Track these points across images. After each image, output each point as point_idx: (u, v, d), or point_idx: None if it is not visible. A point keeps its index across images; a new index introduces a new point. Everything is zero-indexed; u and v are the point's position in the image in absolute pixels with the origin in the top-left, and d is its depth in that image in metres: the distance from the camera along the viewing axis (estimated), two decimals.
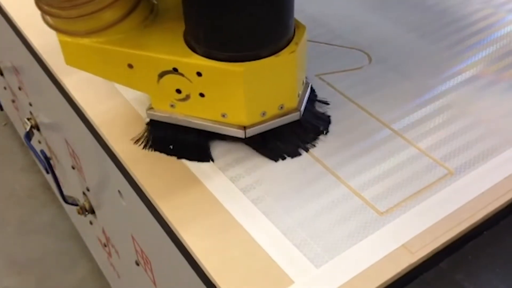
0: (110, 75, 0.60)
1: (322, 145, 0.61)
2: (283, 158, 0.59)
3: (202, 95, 0.56)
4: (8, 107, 1.52)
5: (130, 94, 0.67)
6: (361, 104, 0.66)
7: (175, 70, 0.55)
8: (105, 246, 1.00)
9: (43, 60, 0.75)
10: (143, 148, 0.61)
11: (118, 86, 0.68)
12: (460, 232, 0.51)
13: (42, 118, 1.08)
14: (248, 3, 0.50)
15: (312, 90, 0.64)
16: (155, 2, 0.60)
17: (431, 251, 0.50)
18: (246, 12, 0.51)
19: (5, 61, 1.24)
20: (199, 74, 0.54)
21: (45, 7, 0.55)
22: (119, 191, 0.70)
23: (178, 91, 0.57)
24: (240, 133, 0.57)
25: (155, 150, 0.60)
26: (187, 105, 0.58)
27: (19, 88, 1.18)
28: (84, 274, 1.33)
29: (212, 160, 0.59)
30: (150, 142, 0.61)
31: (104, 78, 0.60)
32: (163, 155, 0.60)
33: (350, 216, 0.53)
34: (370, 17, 0.81)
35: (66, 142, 0.91)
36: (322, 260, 0.49)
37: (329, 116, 0.63)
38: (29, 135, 1.08)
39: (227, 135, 0.58)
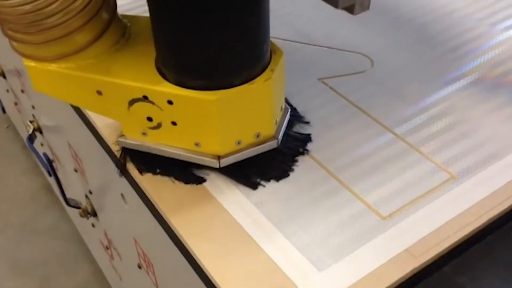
0: (79, 101, 0.58)
1: (325, 149, 0.61)
2: (265, 182, 0.57)
3: (174, 123, 0.54)
4: (10, 110, 1.53)
5: None
6: (363, 108, 0.66)
7: (145, 98, 0.53)
8: (107, 248, 1.00)
9: None
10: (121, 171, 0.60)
11: None
12: (463, 237, 0.51)
13: (44, 121, 1.09)
14: (218, 31, 0.48)
15: (294, 109, 0.63)
16: (128, 24, 0.58)
17: (435, 255, 0.50)
18: (216, 40, 0.49)
19: (8, 64, 1.24)
20: (170, 102, 0.52)
21: (10, 32, 0.52)
22: (121, 194, 0.70)
23: (150, 119, 0.54)
24: (214, 163, 0.55)
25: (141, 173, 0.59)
26: (159, 133, 0.55)
27: (22, 91, 1.18)
28: (86, 276, 1.33)
29: (198, 182, 0.57)
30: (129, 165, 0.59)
31: (73, 104, 0.57)
32: None
33: (353, 220, 0.53)
34: (372, 21, 0.81)
35: (69, 145, 0.92)
36: (325, 264, 0.49)
37: (309, 135, 0.62)
38: (31, 138, 1.08)
39: (201, 164, 0.56)
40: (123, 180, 0.63)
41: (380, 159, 0.59)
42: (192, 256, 0.52)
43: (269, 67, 0.53)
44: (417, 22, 0.80)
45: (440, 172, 0.57)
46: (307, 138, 0.62)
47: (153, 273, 0.72)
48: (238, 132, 0.55)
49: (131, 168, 0.60)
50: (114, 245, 0.93)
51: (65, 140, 0.93)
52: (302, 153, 0.60)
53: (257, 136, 0.56)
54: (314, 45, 0.76)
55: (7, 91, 1.40)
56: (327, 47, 0.76)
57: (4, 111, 1.59)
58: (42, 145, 1.21)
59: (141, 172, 0.58)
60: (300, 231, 0.52)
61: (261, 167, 0.57)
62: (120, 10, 0.57)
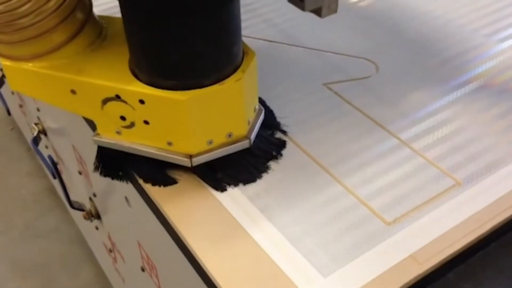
0: (54, 100, 0.58)
1: (330, 154, 0.61)
2: (235, 185, 0.57)
3: (146, 122, 0.55)
4: (15, 112, 1.53)
5: None
6: (368, 113, 0.66)
7: (117, 97, 0.54)
8: (111, 251, 1.01)
9: None
10: (98, 173, 0.61)
11: None
12: (467, 243, 0.51)
13: (49, 123, 1.09)
14: (187, 33, 0.49)
15: (271, 112, 0.63)
16: (105, 25, 0.58)
17: (439, 262, 0.50)
18: (186, 41, 0.50)
19: None
20: (141, 101, 0.53)
21: None
22: (125, 197, 0.71)
23: (123, 118, 0.55)
24: (186, 162, 0.56)
25: (105, 176, 0.60)
26: (133, 132, 0.56)
27: None
28: (89, 279, 1.33)
29: (168, 184, 0.57)
30: (100, 168, 0.61)
31: (48, 103, 0.59)
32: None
33: (357, 225, 0.53)
34: (377, 27, 0.81)
35: (73, 147, 0.92)
36: (330, 270, 0.49)
37: (284, 141, 0.62)
38: (36, 140, 1.09)
39: (174, 163, 0.57)
40: (128, 183, 0.63)
41: (385, 165, 0.59)
42: (196, 260, 0.52)
43: (241, 68, 0.54)
44: (422, 28, 0.80)
45: (445, 178, 0.57)
46: (283, 143, 0.61)
47: (157, 276, 0.72)
48: (210, 132, 0.55)
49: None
50: (118, 247, 0.93)
51: (70, 143, 0.93)
52: (276, 157, 0.60)
53: (229, 135, 0.56)
54: (319, 50, 0.76)
55: (12, 93, 1.41)
56: (332, 52, 0.76)
57: (9, 113, 1.59)
58: (46, 147, 1.21)
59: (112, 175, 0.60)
60: (305, 236, 0.52)
61: (232, 169, 0.58)
62: (98, 10, 0.57)
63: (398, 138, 0.62)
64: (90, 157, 0.83)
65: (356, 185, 0.57)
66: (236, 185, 0.57)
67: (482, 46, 0.76)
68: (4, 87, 1.37)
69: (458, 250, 0.51)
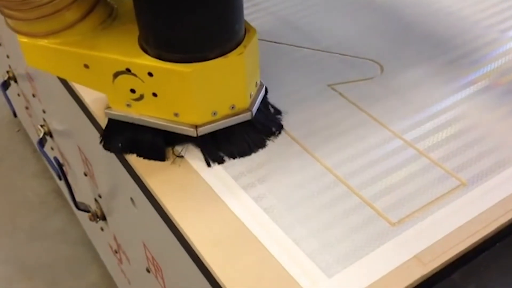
0: (68, 75, 0.63)
1: (335, 155, 0.61)
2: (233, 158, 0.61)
3: (155, 94, 0.58)
4: (21, 114, 1.54)
5: None
6: (373, 114, 0.66)
7: (128, 70, 0.57)
8: (116, 252, 1.01)
9: None
10: (103, 147, 0.63)
11: None
12: (472, 244, 0.51)
13: (55, 125, 1.09)
14: (194, 8, 0.53)
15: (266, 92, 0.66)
16: (115, 6, 0.62)
17: (443, 263, 0.50)
18: (192, 16, 0.53)
19: (19, 69, 1.26)
20: (150, 74, 0.56)
21: (5, 10, 0.57)
22: (131, 198, 0.71)
23: (132, 91, 0.59)
24: (192, 132, 0.59)
25: (106, 149, 0.63)
26: (142, 105, 0.59)
27: (33, 95, 1.19)
28: (94, 280, 1.34)
29: (164, 159, 0.61)
30: (105, 141, 0.64)
31: (62, 77, 0.63)
32: (179, 164, 0.61)
33: (362, 226, 0.53)
34: (382, 28, 0.81)
35: (79, 149, 0.92)
36: (334, 270, 0.49)
37: (281, 125, 0.64)
38: (42, 142, 1.09)
39: (180, 134, 0.60)
40: (133, 184, 0.64)
41: (389, 165, 0.59)
42: (201, 261, 0.52)
43: (243, 43, 0.57)
44: (427, 28, 0.80)
45: (450, 179, 0.57)
46: (281, 124, 0.64)
47: (162, 277, 0.72)
48: (214, 103, 0.58)
49: (141, 171, 0.60)
50: (123, 249, 0.94)
51: (75, 144, 0.94)
52: (275, 133, 0.63)
53: (232, 107, 0.59)
54: (324, 51, 0.77)
55: (18, 95, 1.42)
56: (337, 53, 0.76)
57: (15, 115, 1.60)
58: (52, 149, 1.21)
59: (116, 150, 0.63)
60: (309, 236, 0.52)
61: (232, 141, 0.61)
62: None
63: (403, 139, 0.62)
64: (96, 158, 0.84)
65: (361, 186, 0.57)
66: (233, 157, 0.60)
67: (488, 47, 0.76)
68: (10, 89, 1.38)
69: (463, 250, 0.51)
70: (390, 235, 0.52)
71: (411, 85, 0.70)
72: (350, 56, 0.75)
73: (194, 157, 0.61)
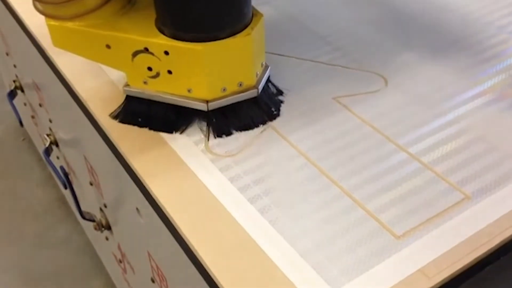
0: (91, 55, 0.68)
1: (339, 168, 0.61)
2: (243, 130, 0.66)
3: (170, 72, 0.64)
4: (27, 123, 1.55)
5: None
6: (377, 127, 0.66)
7: (146, 49, 0.63)
8: (121, 262, 1.01)
9: (66, 79, 0.77)
10: (117, 121, 0.68)
11: None
12: (476, 257, 0.51)
13: (61, 134, 1.10)
14: None
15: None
16: None
17: (448, 276, 0.50)
18: (204, 1, 0.59)
19: (26, 78, 1.27)
20: (166, 53, 0.62)
21: None
22: (137, 208, 0.71)
23: (150, 68, 0.64)
24: (203, 106, 0.64)
25: (124, 122, 0.68)
26: (158, 82, 0.65)
27: (40, 105, 1.20)
28: None
29: (175, 131, 0.66)
30: (122, 115, 0.69)
31: (85, 57, 0.68)
32: (184, 173, 0.61)
33: (367, 239, 0.53)
34: (386, 40, 0.81)
35: (85, 158, 0.93)
36: (339, 283, 0.50)
37: (281, 101, 0.70)
38: (48, 151, 1.10)
39: (192, 108, 0.65)
40: (139, 194, 0.64)
41: (394, 179, 0.59)
42: (207, 272, 0.52)
43: (250, 25, 0.63)
44: (432, 41, 0.81)
45: (455, 192, 0.57)
46: (280, 103, 0.70)
47: (166, 287, 0.73)
48: (224, 80, 0.64)
49: (147, 180, 0.61)
50: (128, 258, 0.94)
51: (81, 154, 0.94)
52: (273, 113, 0.68)
53: (240, 84, 0.65)
54: (329, 64, 0.77)
55: (25, 104, 1.43)
56: (342, 66, 0.77)
57: (21, 124, 1.61)
58: (58, 158, 1.22)
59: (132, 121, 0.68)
60: (314, 248, 0.53)
61: (240, 117, 0.66)
62: None
63: (407, 152, 0.63)
64: (102, 168, 0.85)
65: (365, 198, 0.57)
66: (239, 131, 0.66)
67: (495, 59, 0.77)
68: (16, 98, 1.39)
69: (467, 264, 0.51)
70: (395, 248, 0.52)
71: (415, 98, 0.70)
72: (355, 69, 0.76)
73: (200, 168, 0.62)
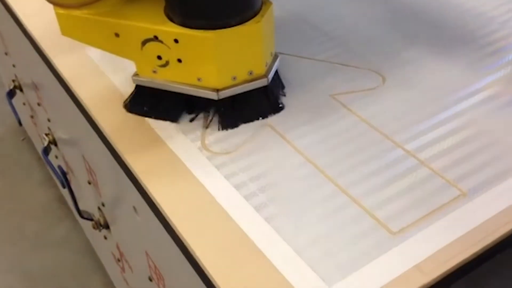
0: (99, 43, 0.67)
1: (336, 165, 0.61)
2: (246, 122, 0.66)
3: (179, 60, 0.63)
4: (26, 123, 1.55)
5: None
6: (374, 124, 0.66)
7: (155, 37, 0.62)
8: (119, 261, 1.01)
9: (63, 79, 0.77)
10: (127, 111, 0.68)
11: None
12: (472, 254, 0.51)
13: (60, 134, 1.10)
14: None
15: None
16: None
17: (444, 272, 0.50)
18: None
19: (25, 78, 1.27)
20: (176, 41, 0.61)
21: None
22: (134, 207, 0.71)
23: (159, 57, 0.64)
24: (213, 95, 0.64)
25: (133, 112, 0.68)
26: (167, 71, 0.64)
27: (38, 104, 1.20)
28: None
29: (177, 121, 0.67)
30: (131, 105, 0.69)
31: (94, 46, 0.68)
32: (180, 171, 0.61)
33: (362, 235, 0.53)
34: (385, 37, 0.81)
35: (83, 157, 0.93)
36: (335, 279, 0.50)
37: (284, 94, 0.71)
38: (46, 150, 1.10)
39: (202, 97, 0.64)
40: (136, 193, 0.64)
41: (390, 175, 0.59)
42: (203, 271, 0.52)
43: (260, 13, 0.63)
44: (429, 38, 0.81)
45: (451, 189, 0.57)
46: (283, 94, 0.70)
47: (164, 286, 0.73)
48: (234, 68, 0.63)
49: (143, 179, 0.61)
50: (126, 257, 0.94)
51: (80, 153, 0.94)
52: (279, 105, 0.68)
53: (250, 73, 0.64)
54: (326, 61, 0.77)
55: (24, 104, 1.43)
56: (339, 63, 0.77)
57: (20, 124, 1.61)
58: (56, 157, 1.22)
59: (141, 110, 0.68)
60: (310, 245, 0.53)
61: (249, 108, 0.66)
62: None
63: (404, 149, 0.63)
64: (100, 167, 0.85)
65: (362, 195, 0.57)
66: (247, 122, 0.66)
67: (493, 56, 0.77)
68: (15, 98, 1.39)
69: (463, 260, 0.51)
70: (391, 245, 0.52)
71: (412, 96, 0.70)
72: (352, 66, 0.76)
73: (196, 166, 0.62)
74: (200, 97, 0.65)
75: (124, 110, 0.70)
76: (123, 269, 1.01)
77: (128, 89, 0.71)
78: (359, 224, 0.55)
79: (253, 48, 0.63)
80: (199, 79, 0.64)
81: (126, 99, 0.69)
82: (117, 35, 0.64)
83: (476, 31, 0.82)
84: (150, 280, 0.79)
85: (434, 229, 0.53)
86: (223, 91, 0.64)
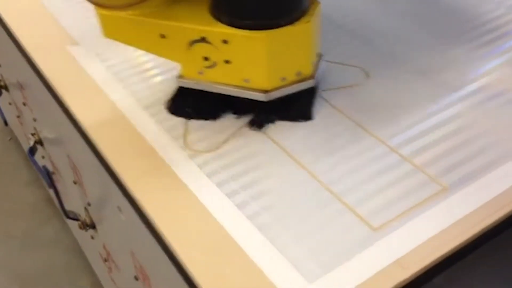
0: (144, 45, 0.66)
1: (318, 161, 0.61)
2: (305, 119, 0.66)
3: (227, 61, 0.62)
4: (13, 122, 1.54)
5: (133, 114, 0.69)
6: (357, 120, 0.66)
7: (203, 39, 0.61)
8: (106, 261, 1.01)
9: (45, 78, 0.77)
10: (169, 113, 0.67)
11: (120, 106, 0.70)
12: (453, 248, 0.51)
13: (45, 134, 1.10)
14: None
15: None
16: None
17: (425, 267, 0.50)
18: None
19: (10, 77, 1.26)
20: (225, 41, 0.60)
21: None
22: (118, 207, 0.71)
23: (206, 58, 0.62)
24: (262, 97, 0.62)
25: (176, 114, 0.67)
26: (214, 72, 0.63)
27: (24, 104, 1.20)
28: None
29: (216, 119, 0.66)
30: (174, 107, 0.67)
31: (138, 48, 0.67)
32: (163, 170, 0.61)
33: (344, 231, 0.54)
34: (367, 34, 0.81)
35: (68, 157, 0.92)
36: (316, 276, 0.50)
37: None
38: (32, 150, 1.09)
39: (248, 98, 0.63)
40: (119, 193, 0.64)
41: (372, 171, 0.60)
42: (185, 271, 0.52)
43: (309, 13, 0.62)
44: (413, 34, 0.81)
45: (432, 184, 0.58)
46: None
47: (149, 286, 0.73)
48: (283, 69, 0.62)
49: (126, 179, 0.60)
50: (112, 257, 0.94)
51: (65, 153, 0.94)
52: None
53: (298, 74, 0.63)
54: None
55: (10, 104, 1.42)
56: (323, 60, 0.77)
57: (6, 124, 1.60)
58: (43, 157, 1.22)
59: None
60: (291, 242, 0.53)
61: (297, 106, 0.66)
62: None
63: (386, 145, 0.63)
64: (84, 167, 0.84)
65: (344, 191, 0.57)
66: (296, 120, 0.66)
67: (482, 49, 0.77)
68: (1, 98, 1.38)
69: (444, 254, 0.51)
70: (372, 240, 0.52)
71: (396, 92, 0.71)
72: (335, 63, 0.76)
73: (179, 165, 0.62)
74: (244, 98, 0.64)
75: (106, 107, 0.69)
76: (110, 269, 1.01)
77: (108, 81, 0.70)
78: (340, 220, 0.55)
79: (303, 48, 0.62)
80: (246, 80, 0.62)
81: (168, 101, 0.68)
82: (163, 36, 0.62)
83: (465, 25, 0.82)
84: (136, 279, 0.79)
85: (415, 224, 0.54)
86: (272, 92, 0.63)
